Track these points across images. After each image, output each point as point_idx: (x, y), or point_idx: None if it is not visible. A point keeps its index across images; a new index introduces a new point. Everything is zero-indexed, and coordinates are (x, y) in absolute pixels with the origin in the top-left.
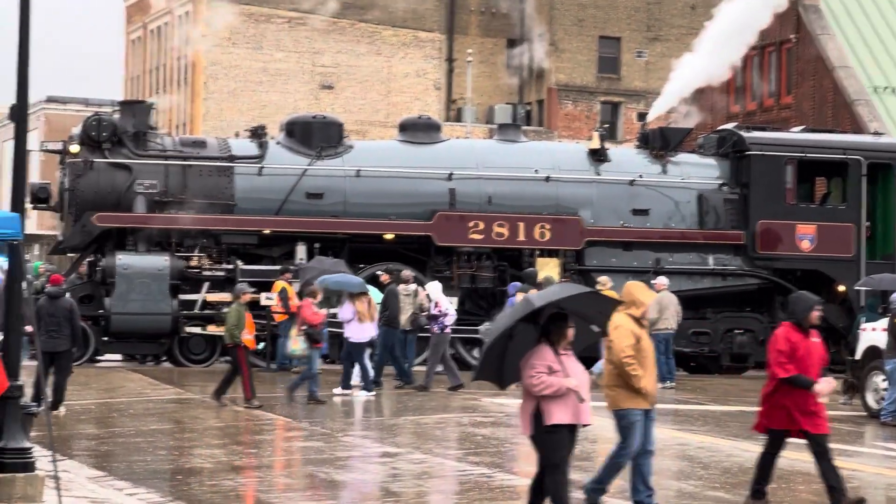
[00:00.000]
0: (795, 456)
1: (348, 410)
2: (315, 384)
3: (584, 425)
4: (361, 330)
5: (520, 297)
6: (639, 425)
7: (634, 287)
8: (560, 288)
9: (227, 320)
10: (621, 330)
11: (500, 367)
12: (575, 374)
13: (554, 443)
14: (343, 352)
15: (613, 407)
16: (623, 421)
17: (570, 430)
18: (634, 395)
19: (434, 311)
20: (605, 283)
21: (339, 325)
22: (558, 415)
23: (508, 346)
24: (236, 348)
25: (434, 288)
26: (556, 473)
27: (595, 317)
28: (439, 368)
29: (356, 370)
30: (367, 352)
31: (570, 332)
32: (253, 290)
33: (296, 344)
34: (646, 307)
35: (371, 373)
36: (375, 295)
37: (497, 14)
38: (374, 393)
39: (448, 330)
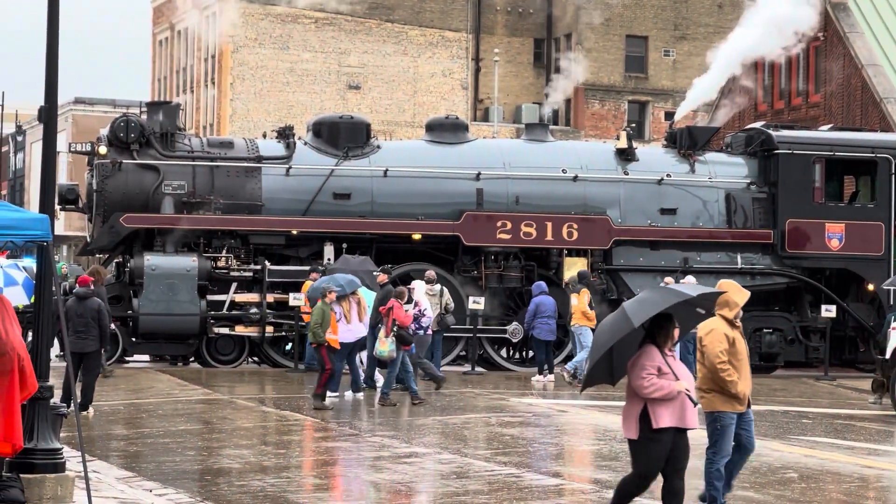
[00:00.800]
0: (825, 456)
1: (375, 411)
2: (387, 387)
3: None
4: (347, 330)
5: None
6: (731, 429)
7: (728, 287)
8: (660, 297)
9: (311, 319)
10: (714, 334)
11: (610, 367)
12: (683, 377)
13: (654, 451)
14: (337, 353)
15: (709, 409)
16: (717, 423)
17: (675, 435)
18: (730, 399)
19: (413, 311)
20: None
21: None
22: (666, 418)
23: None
24: (320, 348)
25: (417, 287)
26: (639, 485)
27: (701, 302)
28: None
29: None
30: (360, 352)
31: (676, 333)
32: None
33: (384, 345)
34: (738, 308)
35: (361, 374)
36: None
37: (524, 13)
38: (362, 394)
39: (430, 330)
